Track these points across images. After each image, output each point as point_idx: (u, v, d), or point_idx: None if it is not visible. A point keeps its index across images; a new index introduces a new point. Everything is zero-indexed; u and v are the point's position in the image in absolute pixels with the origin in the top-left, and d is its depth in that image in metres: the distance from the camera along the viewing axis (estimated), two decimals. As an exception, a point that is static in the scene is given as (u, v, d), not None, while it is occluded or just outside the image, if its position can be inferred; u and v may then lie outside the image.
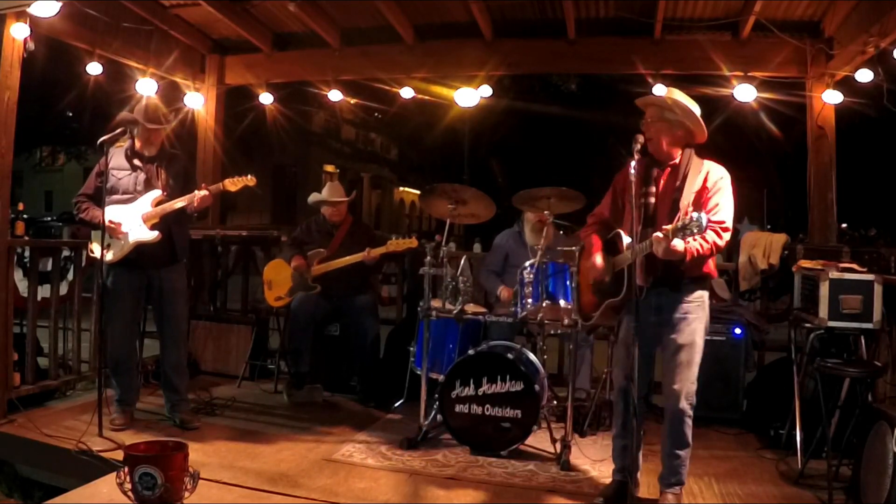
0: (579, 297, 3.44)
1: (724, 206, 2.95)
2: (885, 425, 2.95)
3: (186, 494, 2.80)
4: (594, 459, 3.73)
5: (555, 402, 4.35)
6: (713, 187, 2.98)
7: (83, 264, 4.75)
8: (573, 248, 3.80)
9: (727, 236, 2.92)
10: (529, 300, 3.85)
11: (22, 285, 4.32)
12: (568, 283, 3.87)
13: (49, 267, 4.52)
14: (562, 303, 3.85)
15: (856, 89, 4.88)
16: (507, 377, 3.71)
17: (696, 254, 2.82)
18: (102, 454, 3.42)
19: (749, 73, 4.97)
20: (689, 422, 3.00)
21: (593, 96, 18.69)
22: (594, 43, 5.38)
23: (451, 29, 5.52)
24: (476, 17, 5.14)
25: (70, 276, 4.71)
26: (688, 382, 2.97)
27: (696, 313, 3.00)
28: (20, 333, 4.36)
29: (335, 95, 5.97)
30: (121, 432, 3.79)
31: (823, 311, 3.59)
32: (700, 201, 2.96)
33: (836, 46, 4.80)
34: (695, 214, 2.61)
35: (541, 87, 19.39)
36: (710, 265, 3.06)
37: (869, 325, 3.57)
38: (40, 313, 4.43)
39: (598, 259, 3.19)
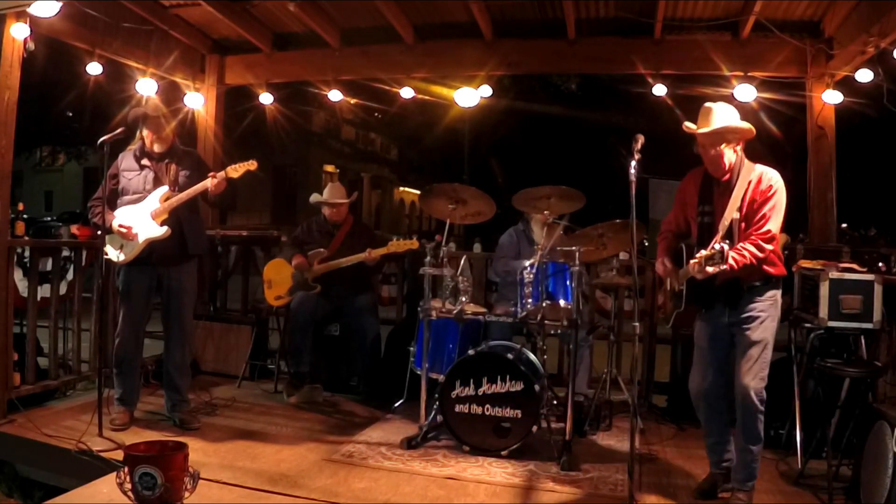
0: (664, 299, 3.51)
1: (770, 216, 3.00)
2: (885, 425, 2.95)
3: (186, 494, 2.80)
4: (594, 460, 3.73)
5: (555, 402, 4.35)
6: (761, 197, 3.02)
7: (83, 264, 4.75)
8: (573, 248, 3.81)
9: (769, 246, 2.98)
10: (529, 300, 3.85)
11: (22, 285, 4.32)
12: (568, 283, 3.88)
13: (49, 267, 4.52)
14: (562, 303, 3.85)
15: (856, 89, 4.88)
16: (507, 377, 3.71)
17: (734, 268, 2.88)
18: (102, 454, 3.42)
19: (749, 73, 4.97)
20: (761, 417, 3.02)
21: (593, 96, 18.70)
22: (594, 43, 5.37)
23: (451, 29, 5.51)
24: (476, 17, 5.14)
25: (70, 276, 4.71)
26: (757, 378, 3.00)
27: (768, 311, 3.07)
28: (20, 333, 4.35)
29: (335, 95, 5.98)
30: (121, 432, 3.79)
31: (823, 311, 3.59)
32: (751, 211, 3.03)
33: (836, 46, 4.80)
34: (717, 246, 2.79)
35: (541, 87, 19.39)
36: (776, 267, 3.10)
37: (869, 325, 3.58)
38: (40, 313, 4.44)
39: (658, 263, 3.35)
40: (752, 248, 2.95)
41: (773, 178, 3.06)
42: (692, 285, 3.14)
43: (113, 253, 3.93)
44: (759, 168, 3.09)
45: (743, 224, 3.06)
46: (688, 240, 3.30)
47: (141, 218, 3.86)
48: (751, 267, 2.96)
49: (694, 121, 3.17)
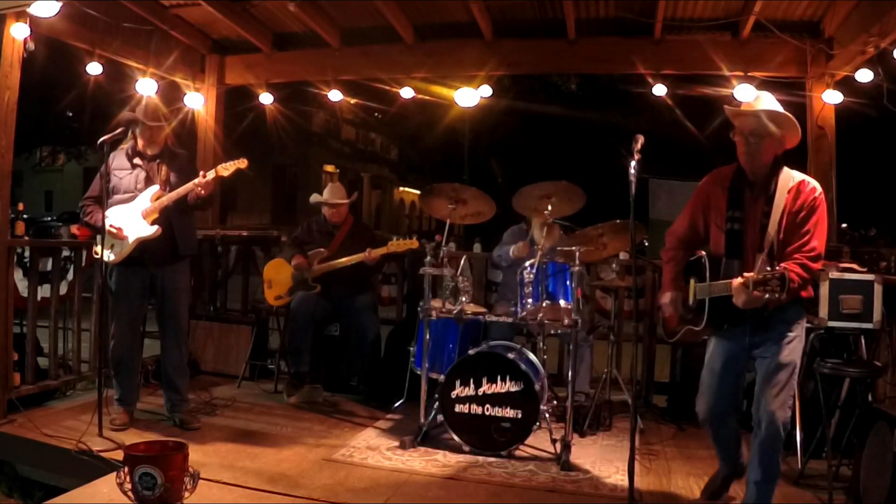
0: (664, 312, 3.20)
1: (815, 231, 2.71)
2: (885, 425, 2.95)
3: (186, 494, 2.80)
4: (594, 460, 3.73)
5: (555, 402, 4.35)
6: (803, 208, 2.73)
7: (83, 264, 4.75)
8: (573, 248, 3.81)
9: (817, 265, 2.70)
10: (529, 300, 3.85)
11: (22, 285, 4.32)
12: (568, 283, 3.88)
13: (49, 267, 4.52)
14: (562, 303, 3.85)
15: (856, 89, 4.88)
16: (507, 377, 3.71)
17: (776, 299, 2.56)
18: (102, 454, 3.42)
19: (749, 73, 4.97)
20: (781, 448, 2.78)
21: (593, 96, 18.70)
22: (594, 43, 5.38)
23: (451, 29, 5.51)
24: (476, 17, 5.14)
25: (70, 276, 4.71)
26: (785, 406, 2.73)
27: (796, 332, 2.79)
28: (20, 333, 4.35)
29: (335, 95, 5.98)
30: (121, 432, 3.79)
31: (823, 311, 3.59)
32: (792, 224, 2.73)
33: (836, 46, 4.80)
34: (777, 271, 2.48)
35: (541, 87, 19.39)
36: (809, 290, 2.88)
37: (869, 325, 3.58)
38: (40, 313, 4.43)
39: (667, 299, 3.00)
40: (800, 269, 2.61)
41: (816, 187, 2.76)
42: (715, 302, 2.81)
43: (104, 252, 3.91)
44: (798, 174, 2.80)
45: (781, 239, 2.74)
46: (704, 247, 2.99)
47: (131, 217, 3.85)
48: (794, 290, 2.62)
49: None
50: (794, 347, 2.78)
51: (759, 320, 2.79)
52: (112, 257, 3.88)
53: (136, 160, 3.97)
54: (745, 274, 2.61)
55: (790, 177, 2.80)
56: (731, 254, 2.82)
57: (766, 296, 2.52)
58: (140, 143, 3.97)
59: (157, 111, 3.98)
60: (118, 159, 3.98)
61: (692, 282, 2.97)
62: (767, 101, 2.86)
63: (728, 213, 2.85)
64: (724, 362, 2.93)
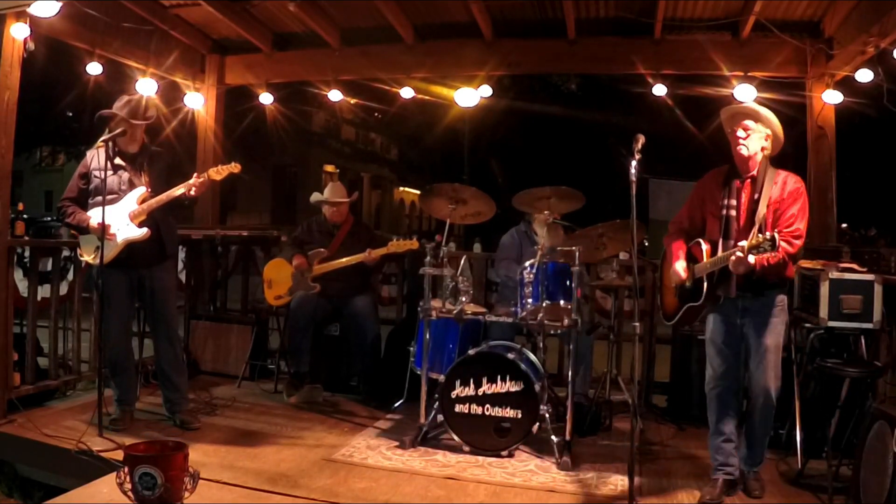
0: (662, 298, 3.56)
1: (798, 215, 3.09)
2: (885, 425, 2.94)
3: (186, 494, 2.80)
4: (594, 460, 3.73)
5: (555, 402, 4.35)
6: (789, 197, 3.11)
7: (83, 264, 4.75)
8: (573, 248, 3.81)
9: (798, 243, 3.06)
10: (529, 300, 3.85)
11: (22, 285, 4.32)
12: (568, 283, 3.88)
13: (49, 267, 4.52)
14: (562, 303, 3.85)
15: (856, 89, 4.89)
16: (507, 377, 3.71)
17: (766, 264, 2.97)
18: (102, 454, 3.42)
19: (749, 73, 4.98)
20: (773, 412, 3.23)
21: (593, 96, 18.71)
22: (594, 43, 5.38)
23: (451, 29, 5.52)
24: (476, 17, 5.15)
25: (70, 276, 4.71)
26: (776, 379, 3.16)
27: (779, 316, 3.19)
28: (20, 333, 4.35)
29: (335, 95, 5.98)
30: (121, 432, 3.78)
31: (823, 311, 3.59)
32: (778, 211, 3.11)
33: (836, 46, 4.80)
34: (767, 234, 2.81)
35: (541, 87, 19.40)
36: (790, 270, 3.23)
37: (869, 325, 3.58)
38: (40, 313, 4.43)
39: (680, 266, 3.30)
40: (784, 244, 2.95)
41: (798, 181, 3.16)
42: (711, 277, 3.17)
43: (87, 256, 3.88)
44: (784, 172, 3.18)
45: (770, 221, 3.10)
46: (701, 237, 3.32)
47: (118, 219, 3.80)
48: (777, 264, 3.03)
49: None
50: (779, 331, 3.19)
51: (747, 293, 3.15)
52: (98, 259, 3.84)
53: (118, 160, 3.90)
54: (740, 243, 2.95)
55: (776, 172, 3.19)
56: (726, 236, 3.18)
57: (761, 258, 2.90)
58: (120, 141, 3.90)
59: (136, 107, 3.89)
60: (98, 159, 3.89)
61: (690, 265, 3.30)
62: (755, 104, 3.32)
63: (722, 202, 3.23)
64: (724, 335, 3.27)
